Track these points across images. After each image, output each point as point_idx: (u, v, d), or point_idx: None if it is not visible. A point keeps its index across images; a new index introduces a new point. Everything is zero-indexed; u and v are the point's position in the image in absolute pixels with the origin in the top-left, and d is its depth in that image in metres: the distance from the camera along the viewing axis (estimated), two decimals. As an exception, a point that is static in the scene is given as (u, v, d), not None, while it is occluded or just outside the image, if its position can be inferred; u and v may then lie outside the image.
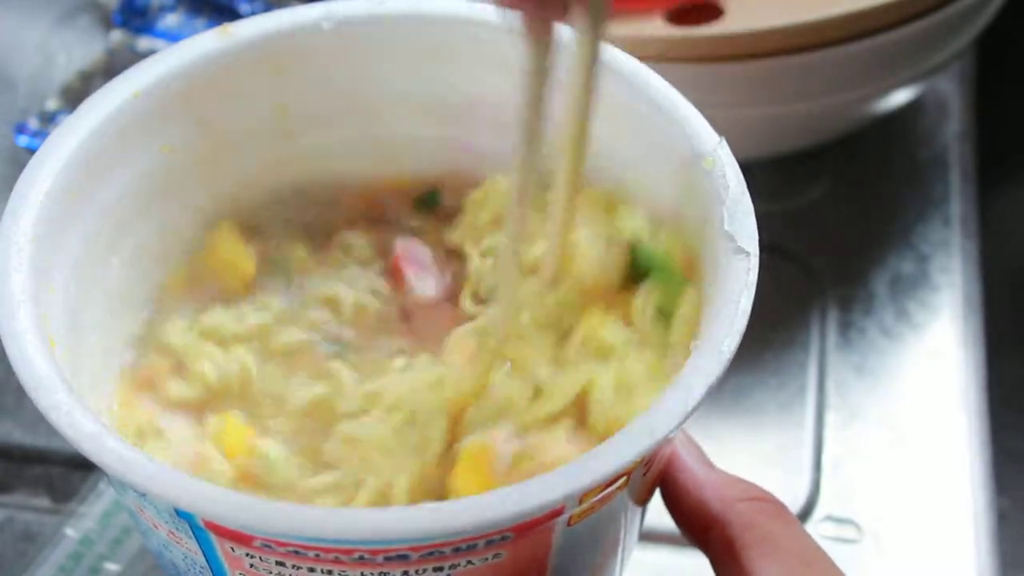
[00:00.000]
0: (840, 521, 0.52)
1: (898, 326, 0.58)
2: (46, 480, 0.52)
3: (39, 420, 0.52)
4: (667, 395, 0.31)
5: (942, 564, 0.50)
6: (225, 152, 0.42)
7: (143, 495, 0.31)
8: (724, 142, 0.35)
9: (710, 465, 0.37)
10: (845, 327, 0.58)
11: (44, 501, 0.52)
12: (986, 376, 0.57)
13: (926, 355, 0.57)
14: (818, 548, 0.34)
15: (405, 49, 0.41)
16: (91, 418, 0.30)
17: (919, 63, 0.57)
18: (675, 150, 0.36)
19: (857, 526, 0.51)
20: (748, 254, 0.33)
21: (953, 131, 0.67)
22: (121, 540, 0.49)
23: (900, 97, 0.61)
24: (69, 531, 0.49)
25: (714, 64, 0.49)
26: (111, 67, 0.64)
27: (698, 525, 0.36)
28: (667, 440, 0.31)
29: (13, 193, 0.35)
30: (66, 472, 0.52)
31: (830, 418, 0.55)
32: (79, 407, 0.31)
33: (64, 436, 0.30)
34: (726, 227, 0.33)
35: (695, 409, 0.30)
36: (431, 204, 0.44)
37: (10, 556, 0.50)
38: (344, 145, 0.43)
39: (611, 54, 0.37)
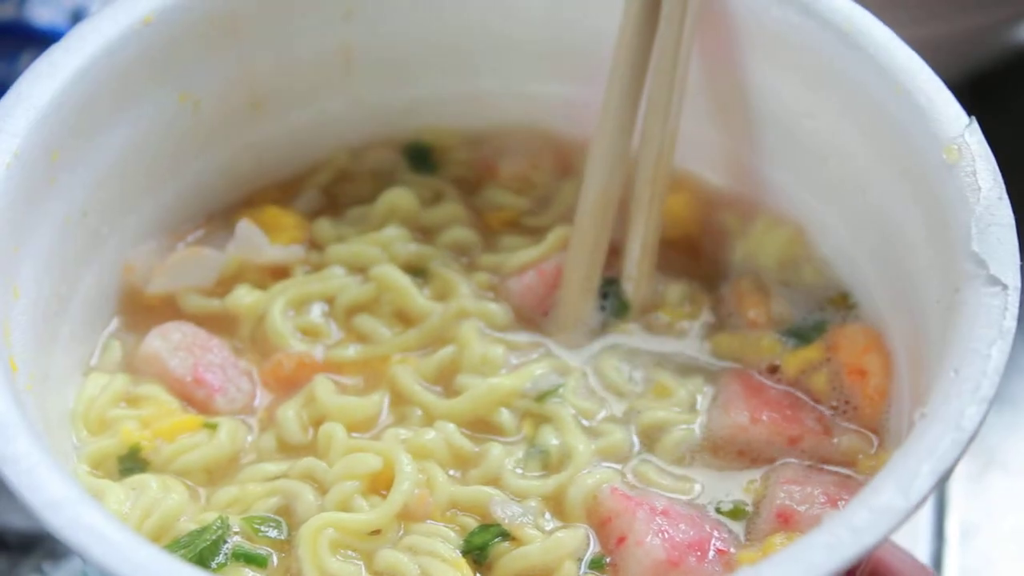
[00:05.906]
0: None
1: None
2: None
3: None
4: (881, 484, 0.25)
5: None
6: (267, 103, 0.33)
7: None
8: (975, 123, 0.29)
9: None
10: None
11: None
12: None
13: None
14: None
15: None
16: (60, 475, 0.23)
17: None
18: (909, 135, 0.30)
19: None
20: (1005, 287, 0.26)
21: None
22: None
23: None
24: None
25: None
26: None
27: None
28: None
29: None
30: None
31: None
32: (45, 460, 0.23)
33: (20, 499, 0.23)
34: (974, 246, 0.26)
35: (921, 504, 0.24)
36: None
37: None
38: (424, 103, 0.36)
39: (850, 19, 0.31)
